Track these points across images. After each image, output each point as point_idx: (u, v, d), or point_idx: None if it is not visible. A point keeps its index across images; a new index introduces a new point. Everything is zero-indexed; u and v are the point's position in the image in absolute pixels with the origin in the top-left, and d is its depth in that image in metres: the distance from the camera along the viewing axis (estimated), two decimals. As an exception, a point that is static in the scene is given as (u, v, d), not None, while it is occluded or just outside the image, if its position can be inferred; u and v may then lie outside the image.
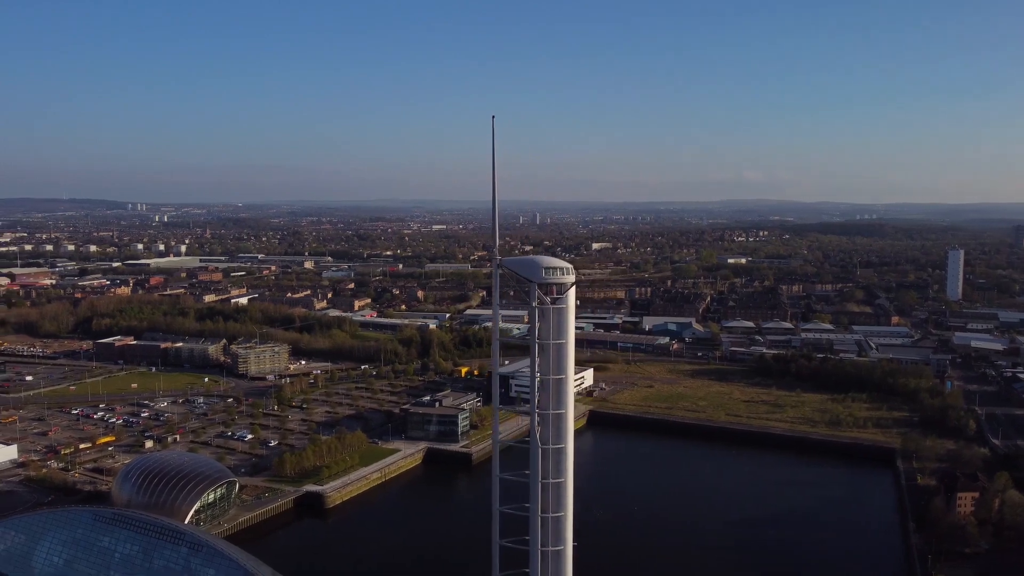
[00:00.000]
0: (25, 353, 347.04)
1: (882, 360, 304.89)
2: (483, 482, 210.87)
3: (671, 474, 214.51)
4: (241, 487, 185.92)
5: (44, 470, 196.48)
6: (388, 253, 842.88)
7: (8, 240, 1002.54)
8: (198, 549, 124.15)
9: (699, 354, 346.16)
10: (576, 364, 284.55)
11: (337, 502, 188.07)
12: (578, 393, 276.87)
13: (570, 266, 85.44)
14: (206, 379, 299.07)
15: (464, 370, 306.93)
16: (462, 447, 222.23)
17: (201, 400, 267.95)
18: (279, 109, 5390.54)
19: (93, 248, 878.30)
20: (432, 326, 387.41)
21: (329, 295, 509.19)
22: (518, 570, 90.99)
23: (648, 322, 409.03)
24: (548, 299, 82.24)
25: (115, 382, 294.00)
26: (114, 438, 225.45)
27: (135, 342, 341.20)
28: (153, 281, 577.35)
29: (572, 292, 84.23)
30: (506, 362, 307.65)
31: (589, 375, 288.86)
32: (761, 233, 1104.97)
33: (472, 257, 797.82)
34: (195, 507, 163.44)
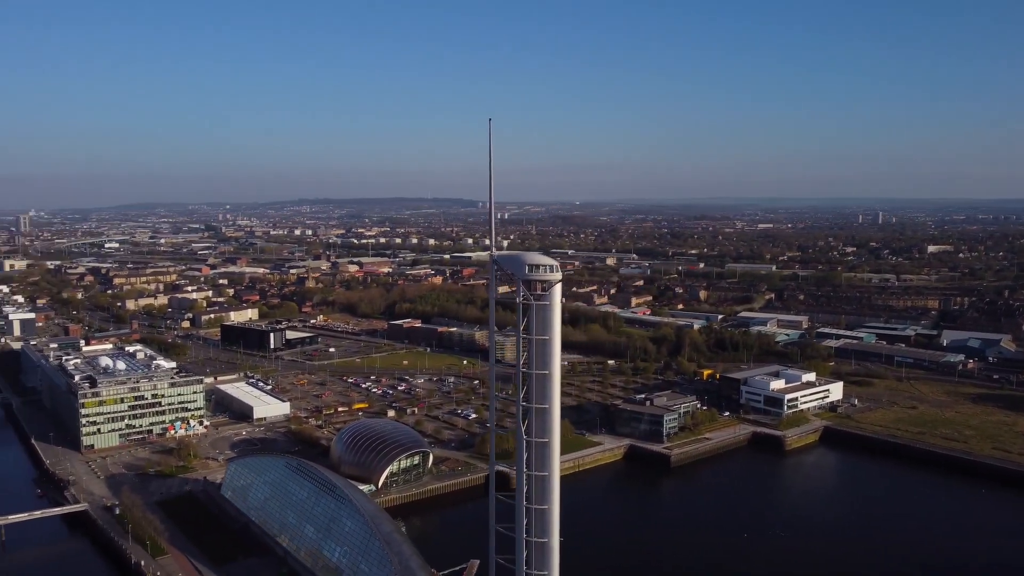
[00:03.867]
0: (339, 329, 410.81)
1: None
2: (678, 486, 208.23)
3: (890, 504, 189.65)
4: (442, 459, 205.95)
5: (303, 425, 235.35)
6: (693, 252, 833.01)
7: (373, 234, 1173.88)
8: (343, 503, 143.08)
9: (995, 376, 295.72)
10: (832, 376, 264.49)
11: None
12: (820, 407, 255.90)
13: (555, 264, 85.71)
14: (465, 362, 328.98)
15: (707, 372, 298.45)
16: (664, 448, 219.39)
17: (452, 380, 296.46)
18: (606, 108, 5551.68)
19: (432, 242, 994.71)
20: (696, 326, 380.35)
21: (612, 291, 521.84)
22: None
23: (948, 336, 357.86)
24: (532, 295, 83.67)
25: (393, 358, 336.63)
26: (367, 405, 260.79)
27: (420, 325, 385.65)
28: (465, 272, 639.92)
29: (557, 289, 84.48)
30: (746, 366, 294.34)
31: (837, 388, 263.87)
32: None
33: (781, 258, 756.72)
34: (388, 470, 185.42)
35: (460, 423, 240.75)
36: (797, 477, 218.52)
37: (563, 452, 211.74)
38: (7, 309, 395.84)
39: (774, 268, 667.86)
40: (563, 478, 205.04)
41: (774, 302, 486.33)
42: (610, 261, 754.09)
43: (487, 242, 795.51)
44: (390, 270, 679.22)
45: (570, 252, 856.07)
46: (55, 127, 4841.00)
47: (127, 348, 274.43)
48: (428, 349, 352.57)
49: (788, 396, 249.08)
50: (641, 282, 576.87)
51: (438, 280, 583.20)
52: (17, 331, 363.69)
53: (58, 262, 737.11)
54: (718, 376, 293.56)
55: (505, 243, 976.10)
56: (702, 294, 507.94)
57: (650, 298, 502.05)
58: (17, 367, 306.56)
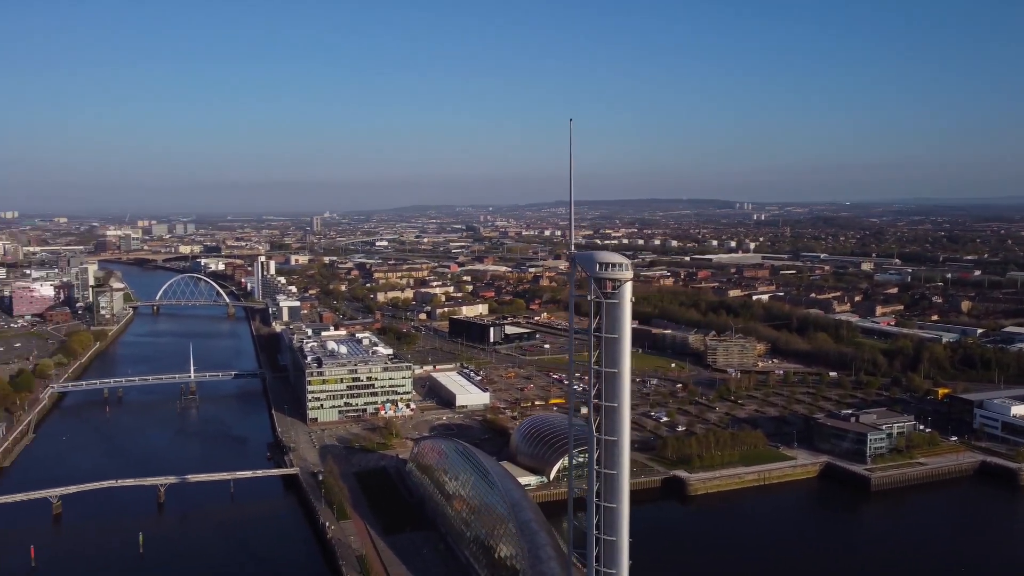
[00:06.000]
0: (559, 327, 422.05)
1: None
2: (874, 512, 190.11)
3: None
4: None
5: (499, 416, 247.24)
6: (970, 258, 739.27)
7: (620, 235, 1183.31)
8: (493, 489, 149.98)
9: None
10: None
11: (699, 492, 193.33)
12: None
13: (627, 261, 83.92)
14: (673, 364, 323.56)
15: (943, 392, 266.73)
16: (864, 469, 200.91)
17: (654, 382, 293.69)
18: (880, 97, 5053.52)
19: (674, 243, 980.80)
20: (944, 340, 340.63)
21: (857, 298, 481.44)
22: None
23: None
24: (603, 293, 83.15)
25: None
26: (563, 400, 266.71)
27: (634, 325, 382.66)
28: (701, 275, 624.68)
29: (627, 288, 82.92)
30: (996, 387, 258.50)
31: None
32: None
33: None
34: (559, 463, 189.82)
35: (649, 424, 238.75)
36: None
37: (749, 463, 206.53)
38: (279, 297, 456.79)
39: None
40: (746, 490, 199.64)
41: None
42: (866, 266, 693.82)
43: (733, 244, 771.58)
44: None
45: (822, 256, 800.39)
46: (343, 136, 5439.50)
47: (357, 335, 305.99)
48: (640, 350, 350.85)
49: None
50: (895, 290, 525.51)
51: (669, 282, 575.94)
52: (285, 317, 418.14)
53: (334, 257, 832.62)
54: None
55: (752, 245, 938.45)
56: (964, 305, 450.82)
57: (900, 307, 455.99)
58: (277, 347, 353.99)
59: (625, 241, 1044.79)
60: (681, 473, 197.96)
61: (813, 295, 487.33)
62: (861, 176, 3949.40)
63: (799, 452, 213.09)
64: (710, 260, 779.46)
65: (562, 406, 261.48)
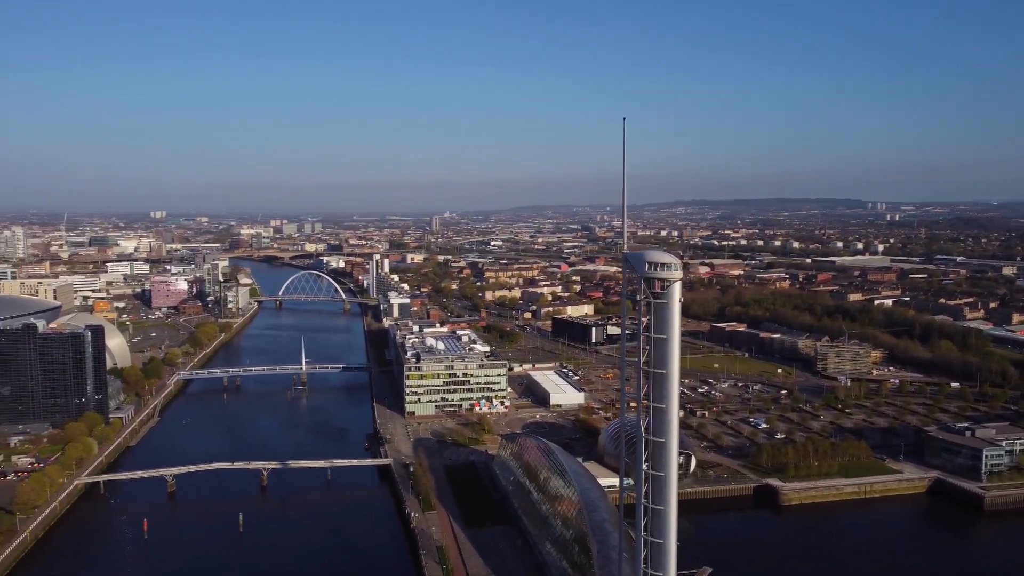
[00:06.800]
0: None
1: None
2: (987, 533, 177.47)
3: None
4: (712, 464, 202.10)
5: (591, 416, 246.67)
6: None
7: (740, 235, 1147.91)
8: (569, 487, 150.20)
9: None
10: None
11: (793, 502, 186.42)
12: None
13: (676, 261, 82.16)
14: (779, 370, 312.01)
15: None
16: (979, 487, 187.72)
17: (757, 387, 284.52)
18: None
19: (796, 244, 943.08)
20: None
21: (993, 305, 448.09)
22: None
23: None
24: (651, 294, 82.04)
25: (706, 360, 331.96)
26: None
27: (742, 329, 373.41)
28: (820, 278, 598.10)
29: (676, 288, 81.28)
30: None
31: None
32: None
33: None
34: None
35: (746, 431, 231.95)
36: None
37: (850, 475, 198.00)
38: (391, 294, 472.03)
39: None
40: (844, 503, 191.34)
41: None
42: (1007, 270, 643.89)
43: (859, 246, 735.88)
44: (741, 272, 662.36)
45: (959, 259, 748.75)
46: (463, 135, 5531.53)
47: (458, 332, 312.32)
48: (746, 354, 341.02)
49: None
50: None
51: (785, 284, 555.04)
52: (395, 313, 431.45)
53: (448, 256, 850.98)
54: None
55: (880, 247, 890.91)
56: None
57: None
58: (385, 343, 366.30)
59: (744, 242, 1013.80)
60: (774, 482, 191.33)
61: (942, 301, 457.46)
62: (1012, 173, 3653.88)
63: (906, 466, 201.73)
64: (833, 262, 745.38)
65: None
